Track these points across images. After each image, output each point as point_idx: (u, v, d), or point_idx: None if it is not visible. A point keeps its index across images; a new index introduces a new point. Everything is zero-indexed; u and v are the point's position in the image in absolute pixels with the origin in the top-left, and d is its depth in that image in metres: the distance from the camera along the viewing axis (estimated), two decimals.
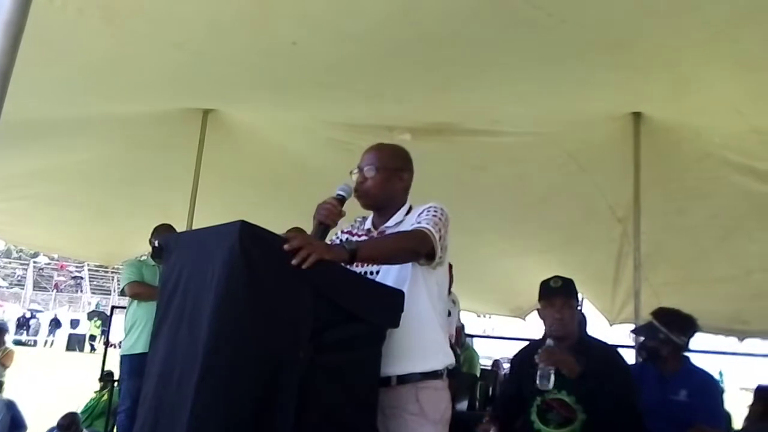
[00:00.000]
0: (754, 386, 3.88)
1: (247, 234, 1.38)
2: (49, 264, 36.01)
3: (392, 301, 1.66)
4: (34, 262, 35.22)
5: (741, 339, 5.31)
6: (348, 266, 1.64)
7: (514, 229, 5.06)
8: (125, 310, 4.54)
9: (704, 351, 5.13)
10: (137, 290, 4.25)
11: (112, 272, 32.56)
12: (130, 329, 4.28)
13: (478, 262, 5.07)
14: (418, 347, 1.79)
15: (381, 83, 3.09)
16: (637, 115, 3.35)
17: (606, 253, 4.78)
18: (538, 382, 2.38)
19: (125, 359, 4.27)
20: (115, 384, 5.52)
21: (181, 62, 2.85)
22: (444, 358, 1.86)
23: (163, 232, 4.08)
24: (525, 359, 2.85)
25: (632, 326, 3.41)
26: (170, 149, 4.13)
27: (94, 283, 35.41)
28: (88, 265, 31.55)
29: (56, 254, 23.54)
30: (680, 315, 2.82)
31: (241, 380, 1.36)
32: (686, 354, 2.81)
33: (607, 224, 4.42)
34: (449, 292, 5.02)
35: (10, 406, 5.16)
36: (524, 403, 2.58)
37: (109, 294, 33.43)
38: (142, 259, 4.42)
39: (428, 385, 1.79)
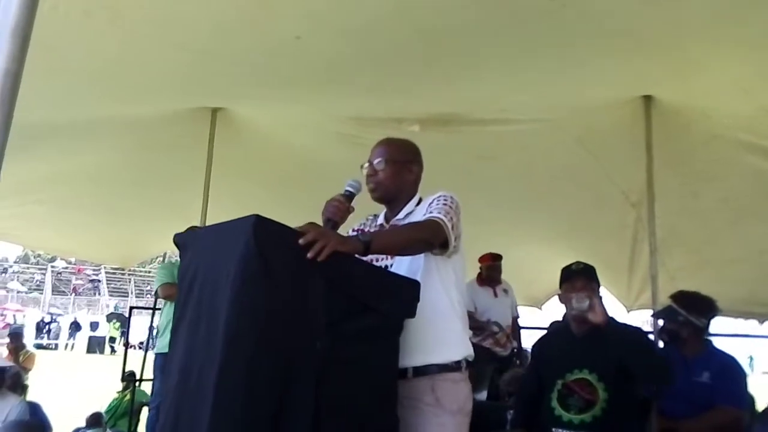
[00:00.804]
0: None
1: (261, 228, 1.38)
2: (66, 268, 36.52)
3: (407, 292, 1.66)
4: (52, 267, 35.74)
5: (761, 321, 5.27)
6: (362, 258, 1.64)
7: (525, 217, 5.04)
8: (160, 311, 4.65)
9: (725, 335, 5.11)
10: (169, 291, 4.41)
11: (129, 274, 32.99)
12: (164, 329, 4.44)
13: (488, 251, 5.06)
14: (434, 338, 1.78)
15: (386, 76, 3.09)
16: (647, 99, 3.31)
17: (620, 239, 4.76)
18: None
19: (159, 357, 4.43)
20: (137, 384, 5.60)
21: (187, 61, 2.86)
22: (462, 350, 1.85)
23: None
24: (545, 344, 2.87)
25: (649, 312, 3.41)
26: (181, 149, 4.15)
27: (112, 285, 35.85)
28: (105, 267, 31.98)
29: (73, 258, 23.87)
30: (699, 297, 2.82)
31: (259, 375, 1.37)
32: (709, 338, 2.80)
33: (620, 210, 4.39)
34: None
35: (35, 408, 5.23)
36: (544, 391, 2.58)
37: (127, 296, 33.87)
38: (174, 261, 4.53)
39: (446, 377, 1.78)
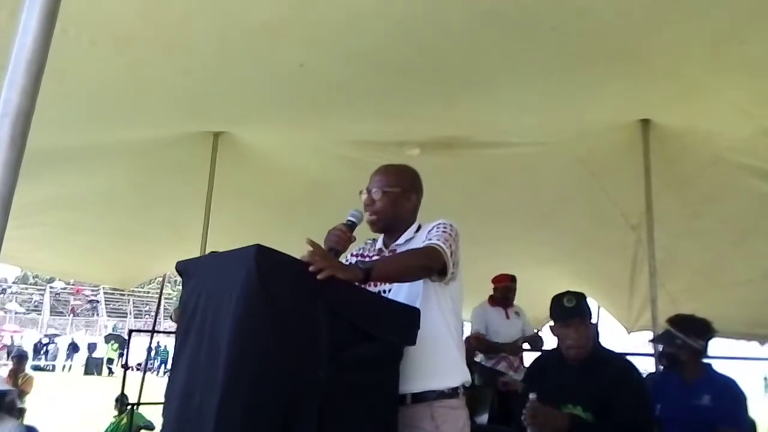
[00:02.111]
0: None
1: (263, 258, 1.39)
2: (65, 288, 36.37)
3: (408, 319, 1.66)
4: (51, 287, 35.59)
5: (762, 343, 5.25)
6: (362, 285, 1.64)
7: (527, 240, 5.05)
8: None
9: (734, 357, 5.08)
10: None
11: (128, 295, 32.86)
12: None
13: (491, 274, 5.06)
14: (432, 365, 1.79)
15: (388, 100, 3.12)
16: (645, 122, 3.35)
17: (621, 260, 4.77)
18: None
19: None
20: (135, 407, 5.56)
21: (191, 87, 2.89)
22: (460, 376, 1.86)
23: None
24: (540, 370, 2.84)
25: (650, 334, 3.40)
26: (183, 173, 4.18)
27: (110, 306, 35.70)
28: (103, 288, 31.85)
29: (72, 279, 23.78)
30: (695, 319, 2.82)
31: (261, 404, 1.37)
32: (708, 361, 2.80)
33: (620, 232, 4.41)
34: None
35: None
36: None
37: (125, 316, 33.69)
38: None
39: (444, 404, 1.78)
